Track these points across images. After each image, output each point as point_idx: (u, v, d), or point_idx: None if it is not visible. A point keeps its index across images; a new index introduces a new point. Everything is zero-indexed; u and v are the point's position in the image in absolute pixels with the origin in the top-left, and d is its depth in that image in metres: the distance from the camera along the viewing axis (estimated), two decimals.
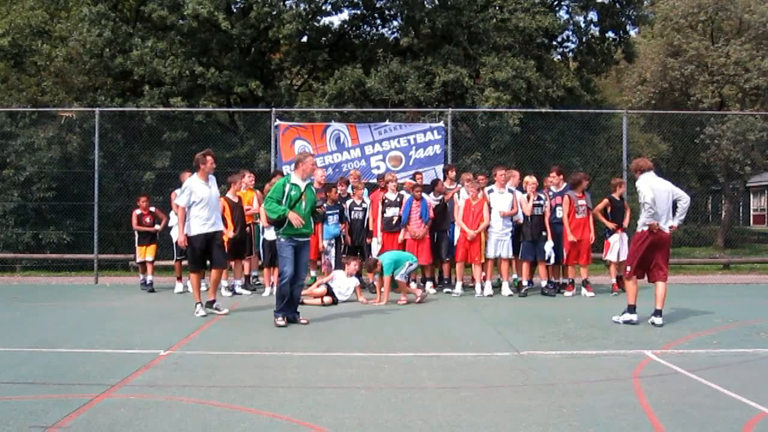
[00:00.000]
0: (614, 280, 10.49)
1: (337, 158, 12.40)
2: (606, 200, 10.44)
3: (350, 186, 11.07)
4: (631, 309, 7.74)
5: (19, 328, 7.68)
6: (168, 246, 11.29)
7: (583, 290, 10.26)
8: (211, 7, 14.63)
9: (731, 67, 18.40)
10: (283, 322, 7.54)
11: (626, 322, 7.68)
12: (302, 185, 7.71)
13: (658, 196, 7.50)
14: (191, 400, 4.69)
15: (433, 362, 5.85)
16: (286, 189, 7.61)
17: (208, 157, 8.37)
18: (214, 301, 8.50)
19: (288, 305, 7.67)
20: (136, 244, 11.09)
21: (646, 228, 7.55)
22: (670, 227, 7.73)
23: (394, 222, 10.28)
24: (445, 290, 10.52)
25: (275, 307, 7.65)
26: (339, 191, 10.69)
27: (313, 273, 10.67)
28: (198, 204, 8.22)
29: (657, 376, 5.38)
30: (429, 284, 10.65)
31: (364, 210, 10.63)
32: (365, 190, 10.99)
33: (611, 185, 10.75)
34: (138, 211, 11.06)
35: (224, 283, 10.38)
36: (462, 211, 10.06)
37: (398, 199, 10.35)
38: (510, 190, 10.22)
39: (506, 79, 14.89)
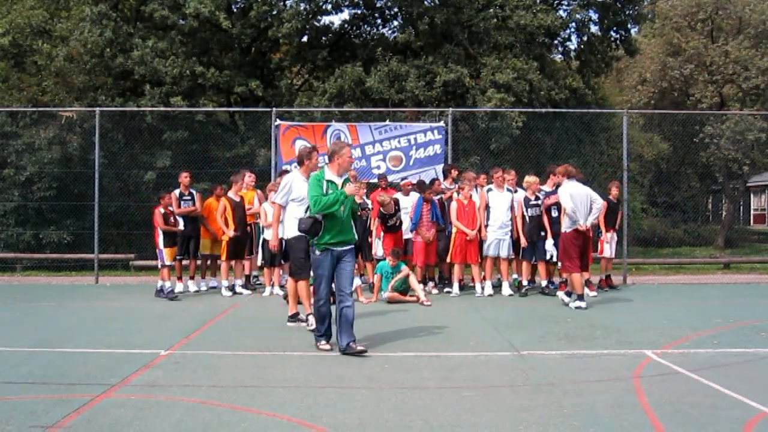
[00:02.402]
0: (602, 277, 10.98)
1: None
2: (604, 203, 10.46)
3: None
4: (581, 297, 8.89)
5: (19, 328, 7.68)
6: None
7: (585, 290, 10.24)
8: (213, 7, 14.63)
9: (730, 66, 18.39)
10: (327, 347, 6.37)
11: (577, 308, 8.79)
12: (339, 182, 6.36)
13: (577, 201, 8.88)
14: (191, 400, 4.69)
15: (433, 362, 5.85)
16: (324, 186, 6.29)
17: (314, 153, 7.61)
18: (297, 314, 7.63)
19: (342, 330, 6.24)
20: (162, 246, 10.02)
21: (570, 230, 8.95)
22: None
23: (396, 225, 10.35)
24: (445, 290, 10.54)
25: (316, 331, 6.53)
26: None
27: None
28: (299, 202, 7.19)
29: (657, 376, 5.38)
30: (431, 284, 10.67)
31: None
32: (365, 190, 10.98)
33: (608, 188, 10.83)
34: (162, 210, 10.07)
35: (224, 282, 10.40)
36: (455, 212, 10.08)
37: (397, 207, 10.40)
38: (508, 190, 10.28)
39: (507, 81, 14.87)
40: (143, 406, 4.55)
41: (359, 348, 6.19)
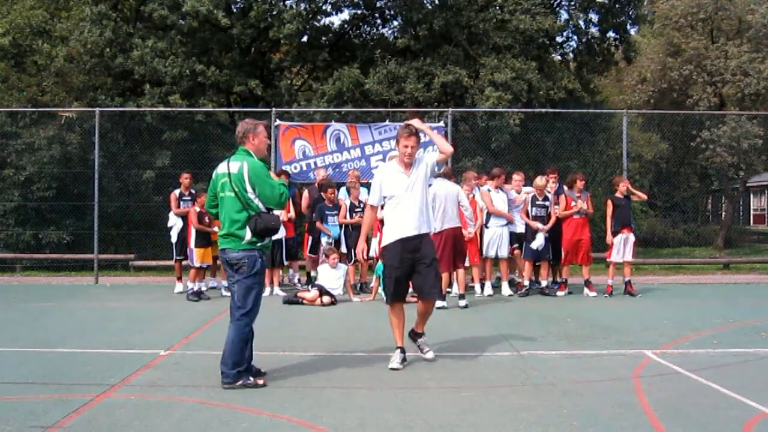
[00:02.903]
0: (610, 282, 10.28)
1: (337, 158, 12.39)
2: (608, 201, 10.44)
3: (343, 189, 11.10)
4: (442, 297, 8.79)
5: (19, 328, 7.68)
6: (168, 246, 11.28)
7: (585, 290, 10.25)
8: (210, 6, 14.63)
9: (730, 69, 18.36)
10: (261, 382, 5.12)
11: (439, 308, 8.34)
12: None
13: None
14: (191, 400, 4.69)
15: (433, 362, 5.85)
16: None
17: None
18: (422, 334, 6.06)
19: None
20: (193, 245, 9.94)
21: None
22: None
23: None
24: (446, 290, 10.52)
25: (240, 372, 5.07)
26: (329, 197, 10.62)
27: (313, 273, 10.66)
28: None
29: (657, 376, 5.38)
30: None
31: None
32: (364, 189, 10.95)
33: (613, 183, 10.72)
34: (197, 208, 9.89)
35: (224, 283, 10.36)
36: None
37: None
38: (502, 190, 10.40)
39: (506, 81, 14.89)
40: (143, 406, 4.54)
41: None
